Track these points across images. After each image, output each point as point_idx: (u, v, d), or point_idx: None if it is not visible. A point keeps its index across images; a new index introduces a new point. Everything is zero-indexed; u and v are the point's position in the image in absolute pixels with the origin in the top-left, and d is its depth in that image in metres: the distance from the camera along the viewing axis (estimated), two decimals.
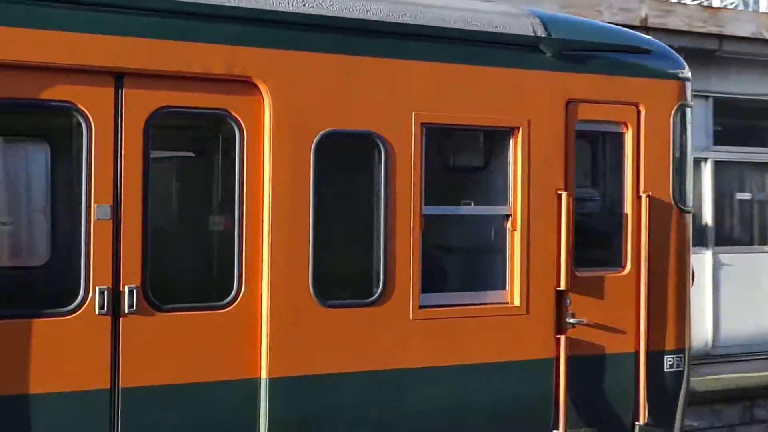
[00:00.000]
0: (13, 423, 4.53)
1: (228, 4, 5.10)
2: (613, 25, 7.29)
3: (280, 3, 5.28)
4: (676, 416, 6.62)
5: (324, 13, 5.36)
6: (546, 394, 6.12)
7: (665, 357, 6.69)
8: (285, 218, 5.31)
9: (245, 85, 5.12)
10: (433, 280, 5.90)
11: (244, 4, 5.15)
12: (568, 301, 6.22)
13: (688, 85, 6.75)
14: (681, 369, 6.82)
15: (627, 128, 6.44)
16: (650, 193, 6.45)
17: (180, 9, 4.96)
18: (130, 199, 4.79)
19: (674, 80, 6.69)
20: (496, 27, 5.94)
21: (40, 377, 4.59)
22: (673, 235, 6.67)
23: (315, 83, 5.34)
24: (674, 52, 6.81)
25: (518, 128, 6.00)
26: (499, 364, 5.99)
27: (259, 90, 5.21)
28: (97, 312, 4.84)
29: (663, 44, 6.81)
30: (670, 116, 6.61)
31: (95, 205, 4.77)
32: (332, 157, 5.44)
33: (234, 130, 5.14)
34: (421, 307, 5.70)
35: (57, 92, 4.76)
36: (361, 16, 5.50)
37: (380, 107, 5.54)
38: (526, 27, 6.06)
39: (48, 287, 5.46)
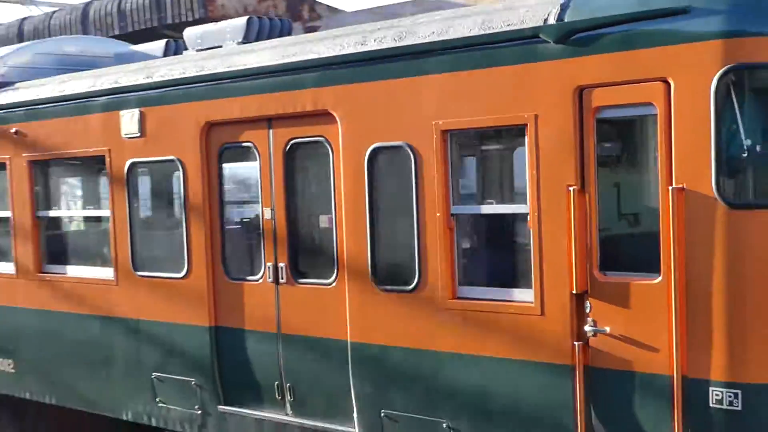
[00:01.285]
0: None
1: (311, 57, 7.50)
2: None
3: (340, 47, 7.34)
4: None
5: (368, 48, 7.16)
6: (564, 401, 6.23)
7: (710, 389, 5.67)
8: (351, 219, 7.32)
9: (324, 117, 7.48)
10: (479, 275, 6.80)
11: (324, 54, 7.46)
12: (587, 306, 6.15)
13: (754, 42, 5.40)
14: (737, 408, 5.60)
15: (656, 108, 5.78)
16: (684, 185, 5.67)
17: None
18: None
19: (716, 40, 5.53)
20: (494, 27, 6.43)
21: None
22: (719, 237, 5.58)
23: (372, 110, 7.17)
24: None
25: (525, 125, 6.32)
26: (517, 361, 6.48)
27: (336, 118, 7.40)
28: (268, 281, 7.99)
29: None
30: (709, 87, 5.57)
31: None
32: (380, 166, 7.15)
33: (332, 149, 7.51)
34: (457, 298, 6.81)
35: (244, 136, 8.10)
36: (379, 46, 7.02)
37: (411, 121, 6.93)
38: (531, 18, 6.38)
39: None
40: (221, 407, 8.44)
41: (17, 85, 10.71)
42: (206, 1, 14.96)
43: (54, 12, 17.14)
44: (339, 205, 7.50)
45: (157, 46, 10.51)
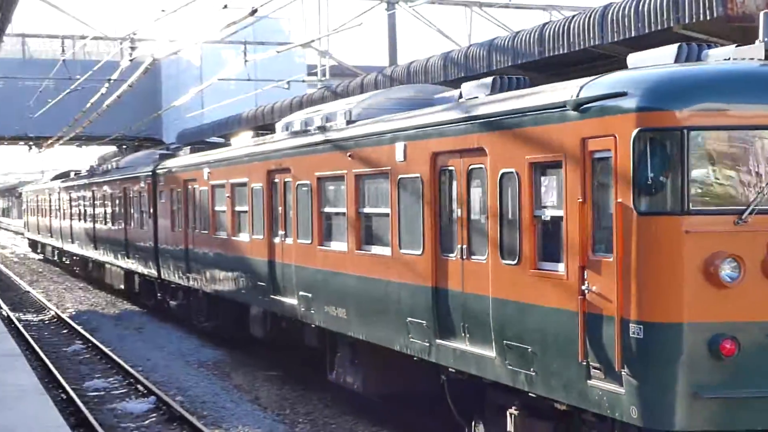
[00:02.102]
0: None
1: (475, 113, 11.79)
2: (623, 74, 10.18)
3: (484, 112, 11.57)
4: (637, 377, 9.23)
5: (498, 110, 11.33)
6: (576, 333, 10.06)
7: (630, 325, 9.30)
8: (492, 217, 11.54)
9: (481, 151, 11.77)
10: (545, 254, 10.77)
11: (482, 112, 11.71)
12: (585, 274, 9.96)
13: (654, 114, 9.07)
14: (641, 337, 9.16)
15: (611, 153, 9.51)
16: (621, 200, 9.39)
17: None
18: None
19: (634, 113, 9.22)
20: (551, 100, 10.37)
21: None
22: (634, 231, 9.22)
23: (500, 148, 11.35)
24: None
25: (561, 161, 10.21)
26: (558, 309, 10.38)
27: (486, 152, 11.64)
28: (458, 257, 12.39)
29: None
30: (630, 140, 9.22)
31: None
32: (504, 184, 11.31)
33: (485, 172, 11.77)
34: (536, 269, 10.82)
35: (449, 163, 12.56)
36: (502, 109, 11.16)
37: (516, 155, 11.02)
38: (563, 95, 10.44)
39: None
40: (438, 341, 13.08)
41: (356, 123, 16.01)
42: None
43: (573, 16, 17.74)
44: (488, 208, 11.91)
45: (481, 83, 15.15)
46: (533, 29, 18.52)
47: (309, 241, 17.20)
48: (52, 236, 52.27)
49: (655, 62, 10.89)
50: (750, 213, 9.34)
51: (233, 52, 47.54)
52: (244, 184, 20.80)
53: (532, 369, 11.11)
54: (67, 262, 49.63)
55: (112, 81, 30.36)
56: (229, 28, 22.14)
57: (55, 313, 33.12)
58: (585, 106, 10.16)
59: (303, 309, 17.61)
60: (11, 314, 32.44)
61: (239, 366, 22.52)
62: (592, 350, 10.15)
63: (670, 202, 9.44)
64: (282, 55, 33.47)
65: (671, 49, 10.95)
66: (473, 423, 13.03)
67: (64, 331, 29.57)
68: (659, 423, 9.49)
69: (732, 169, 9.51)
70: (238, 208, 21.40)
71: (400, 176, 13.98)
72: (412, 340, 13.74)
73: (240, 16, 20.33)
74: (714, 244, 9.33)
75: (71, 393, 19.26)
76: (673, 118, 9.39)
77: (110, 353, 24.11)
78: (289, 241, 18.28)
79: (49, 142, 51.97)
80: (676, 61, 10.82)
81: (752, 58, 10.27)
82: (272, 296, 19.17)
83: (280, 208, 18.77)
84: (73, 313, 33.43)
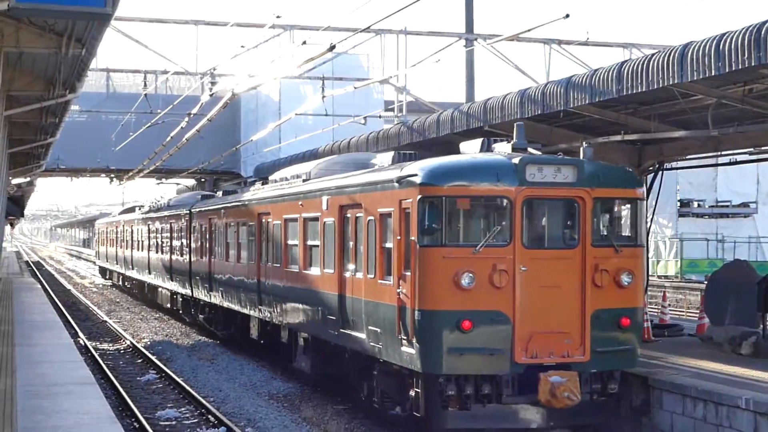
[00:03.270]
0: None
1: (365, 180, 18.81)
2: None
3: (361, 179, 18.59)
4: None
5: (358, 181, 18.38)
6: (394, 317, 16.93)
7: (416, 311, 16.19)
8: (360, 248, 18.54)
9: (360, 205, 18.72)
10: (387, 271, 17.70)
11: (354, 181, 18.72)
12: (400, 283, 16.87)
13: (430, 187, 16.00)
14: (420, 319, 16.05)
15: (410, 209, 16.46)
16: (413, 238, 16.30)
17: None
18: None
19: (418, 186, 16.13)
20: (391, 177, 17.34)
21: None
22: (417, 257, 16.14)
23: (368, 203, 18.32)
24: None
25: (391, 213, 17.16)
26: (388, 304, 17.27)
27: (362, 206, 18.60)
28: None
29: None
30: (416, 201, 16.16)
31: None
32: (369, 227, 18.29)
33: (362, 219, 18.67)
34: (382, 279, 17.76)
35: (347, 213, 19.62)
36: (369, 179, 18.18)
37: (374, 208, 17.99)
38: (395, 174, 17.25)
39: None
40: (341, 330, 19.98)
41: (308, 181, 23.12)
42: None
43: (653, 54, 18.06)
44: (363, 242, 18.85)
45: (388, 156, 22.04)
46: (611, 67, 18.92)
47: (279, 265, 24.32)
48: (117, 263, 60.01)
49: (470, 149, 17.92)
50: (482, 246, 16.25)
51: (311, 88, 49.20)
52: (245, 223, 28.02)
53: (380, 343, 18.02)
54: (128, 286, 57.24)
55: (192, 115, 32.29)
56: (308, 64, 23.65)
57: (131, 342, 34.36)
58: (401, 180, 17.18)
59: (276, 314, 24.71)
60: (88, 343, 33.58)
61: (309, 399, 23.07)
62: (402, 328, 17.05)
63: (436, 239, 16.38)
64: (360, 90, 33.42)
65: (479, 141, 17.97)
66: (363, 385, 19.98)
67: (139, 361, 30.60)
68: (431, 369, 16.40)
69: (471, 220, 16.48)
70: (240, 241, 28.61)
71: (324, 220, 21.03)
72: (330, 331, 20.72)
73: (318, 52, 21.83)
74: (459, 265, 16.23)
75: (143, 422, 20.15)
76: (439, 189, 16.37)
77: (183, 383, 24.85)
78: (269, 264, 25.41)
79: (130, 174, 54.73)
80: (481, 150, 17.84)
81: (505, 152, 17.21)
82: (259, 306, 26.31)
83: (264, 241, 25.95)
84: (148, 342, 34.85)
